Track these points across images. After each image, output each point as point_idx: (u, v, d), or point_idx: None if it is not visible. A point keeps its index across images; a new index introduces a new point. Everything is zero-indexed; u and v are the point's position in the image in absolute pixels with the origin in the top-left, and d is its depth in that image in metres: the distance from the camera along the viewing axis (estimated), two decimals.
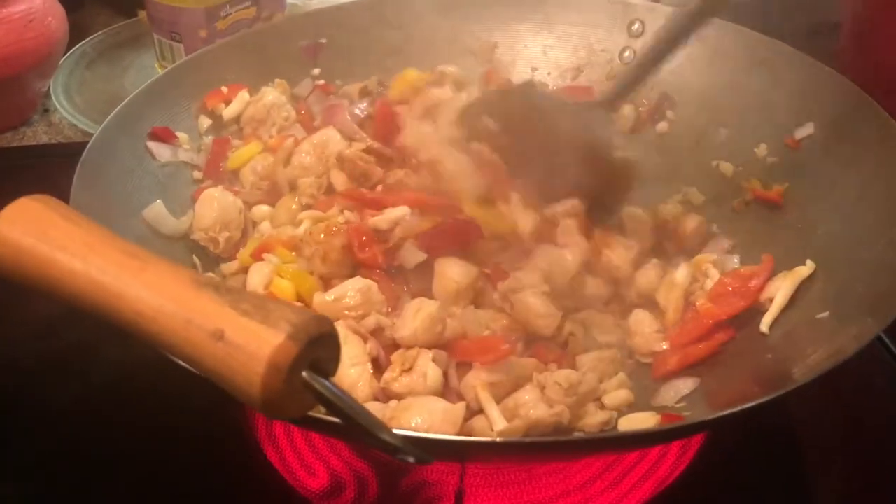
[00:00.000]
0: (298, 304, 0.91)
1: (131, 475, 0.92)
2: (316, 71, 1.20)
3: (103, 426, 0.96)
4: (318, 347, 0.54)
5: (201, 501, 0.91)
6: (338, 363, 0.57)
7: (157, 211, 0.98)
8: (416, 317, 0.88)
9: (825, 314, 0.86)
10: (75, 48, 1.53)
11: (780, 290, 0.92)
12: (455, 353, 0.88)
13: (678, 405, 0.87)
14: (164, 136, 1.04)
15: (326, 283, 0.95)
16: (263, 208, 1.07)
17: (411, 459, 0.57)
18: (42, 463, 0.93)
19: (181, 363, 0.57)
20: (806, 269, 0.92)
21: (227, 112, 1.11)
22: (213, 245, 1.02)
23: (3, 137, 1.42)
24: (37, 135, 1.44)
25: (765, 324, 0.91)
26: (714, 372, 0.89)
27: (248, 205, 1.07)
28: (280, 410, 0.54)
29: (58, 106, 1.43)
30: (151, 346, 0.58)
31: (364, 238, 0.95)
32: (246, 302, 0.55)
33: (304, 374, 0.54)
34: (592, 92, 1.20)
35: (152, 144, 1.02)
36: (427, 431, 0.79)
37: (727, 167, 1.09)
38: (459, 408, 0.82)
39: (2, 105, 1.40)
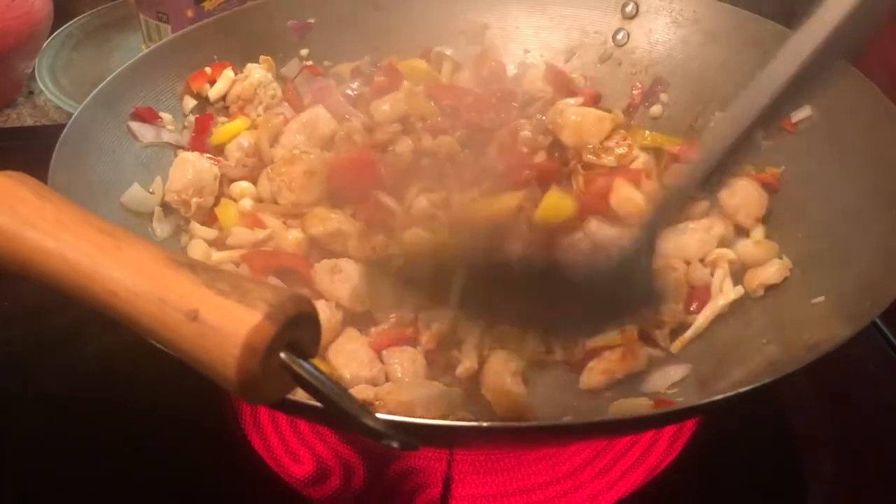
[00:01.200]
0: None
1: (114, 460, 0.91)
2: (304, 51, 1.18)
3: (87, 412, 0.95)
4: (297, 328, 0.53)
5: (185, 488, 0.90)
6: (318, 344, 0.55)
7: (133, 194, 0.96)
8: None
9: (821, 299, 0.85)
10: (61, 29, 1.52)
11: (704, 313, 0.92)
12: None
13: (670, 391, 0.85)
14: (147, 117, 1.02)
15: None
16: (244, 184, 1.05)
17: (395, 445, 0.55)
18: (25, 448, 0.92)
19: (157, 345, 0.55)
20: (733, 294, 0.92)
21: (213, 92, 1.09)
22: (185, 208, 1.00)
23: None
24: (21, 117, 1.43)
25: (675, 346, 0.91)
26: (707, 358, 0.88)
27: (228, 179, 1.05)
28: (257, 393, 0.52)
29: (43, 88, 1.41)
30: (126, 328, 0.56)
31: None
32: (222, 281, 0.53)
33: (282, 355, 0.52)
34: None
35: (135, 125, 1.00)
36: (420, 415, 0.78)
37: None
38: (455, 393, 0.81)
39: None
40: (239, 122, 1.08)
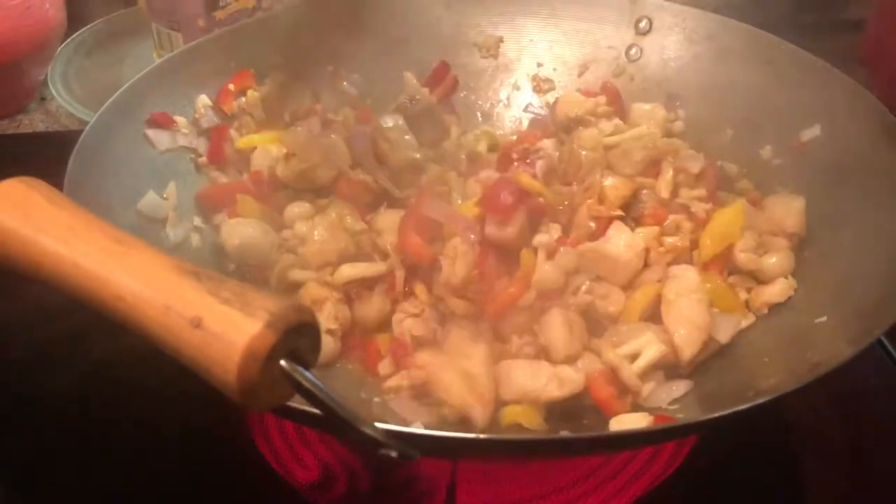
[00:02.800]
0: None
1: (120, 465, 0.92)
2: None
3: (93, 416, 0.96)
4: (298, 337, 0.54)
5: (191, 492, 0.91)
6: (318, 354, 0.56)
7: (148, 201, 0.97)
8: None
9: (823, 319, 0.85)
10: (73, 36, 1.53)
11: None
12: None
13: (671, 407, 0.85)
14: (163, 122, 1.03)
15: None
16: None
17: (394, 454, 0.56)
18: (31, 451, 0.93)
19: (162, 351, 0.56)
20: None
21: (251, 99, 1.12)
22: None
23: (0, 125, 1.42)
24: (33, 123, 1.45)
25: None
26: (709, 375, 0.88)
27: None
28: (257, 400, 0.53)
29: (55, 94, 1.42)
30: (133, 333, 0.57)
31: None
32: (226, 290, 0.54)
33: (282, 363, 0.53)
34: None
35: (151, 132, 1.01)
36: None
37: (731, 168, 1.08)
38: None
39: None
40: (266, 135, 1.10)
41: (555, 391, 0.83)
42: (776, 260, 0.95)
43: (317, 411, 0.54)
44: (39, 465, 0.92)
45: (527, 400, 0.83)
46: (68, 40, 1.52)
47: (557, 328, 0.87)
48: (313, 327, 0.55)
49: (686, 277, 0.91)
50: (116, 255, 0.58)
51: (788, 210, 0.97)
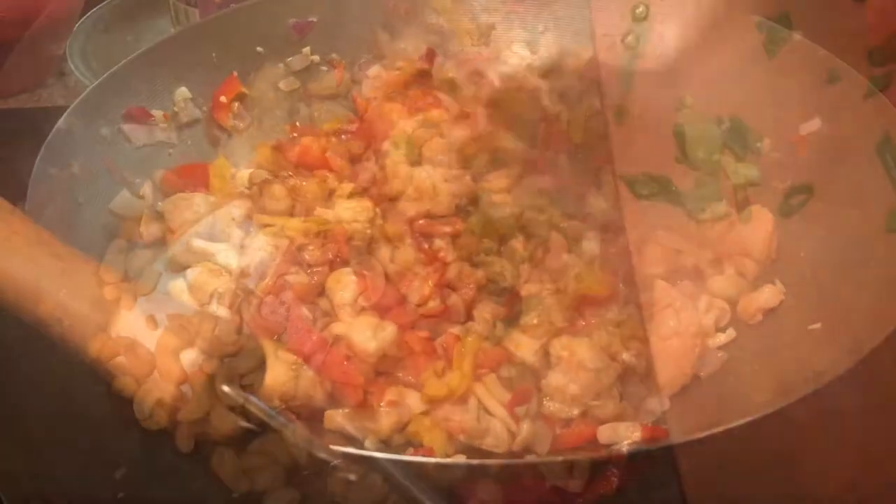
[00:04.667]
0: None
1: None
2: (306, 49, 1.15)
3: (80, 410, 0.94)
4: (239, 362, 0.51)
5: None
6: (262, 377, 0.53)
7: (121, 200, 0.95)
8: None
9: (817, 325, 0.82)
10: (92, 11, 1.51)
11: None
12: None
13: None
14: (140, 117, 1.00)
15: None
16: None
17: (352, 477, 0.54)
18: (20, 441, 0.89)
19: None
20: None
21: None
22: None
23: (19, 99, 1.42)
24: (52, 97, 1.43)
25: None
26: (696, 385, 0.84)
27: None
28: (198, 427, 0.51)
29: (74, 69, 1.41)
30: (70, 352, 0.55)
31: None
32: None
33: (224, 388, 0.51)
34: None
35: (127, 127, 0.99)
36: None
37: (728, 162, 1.04)
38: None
39: (18, 67, 1.37)
40: None
41: (497, 445, 0.75)
42: (721, 280, 0.92)
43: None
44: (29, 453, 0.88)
45: (458, 432, 0.72)
46: (87, 15, 1.50)
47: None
48: (256, 353, 0.52)
49: (687, 318, 0.85)
50: (55, 271, 0.56)
51: (755, 233, 0.93)
